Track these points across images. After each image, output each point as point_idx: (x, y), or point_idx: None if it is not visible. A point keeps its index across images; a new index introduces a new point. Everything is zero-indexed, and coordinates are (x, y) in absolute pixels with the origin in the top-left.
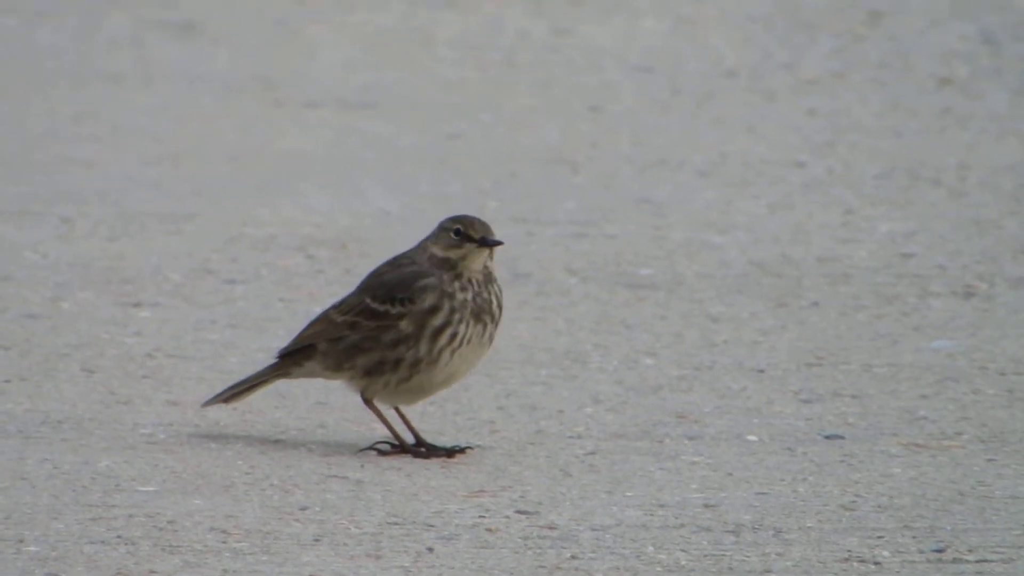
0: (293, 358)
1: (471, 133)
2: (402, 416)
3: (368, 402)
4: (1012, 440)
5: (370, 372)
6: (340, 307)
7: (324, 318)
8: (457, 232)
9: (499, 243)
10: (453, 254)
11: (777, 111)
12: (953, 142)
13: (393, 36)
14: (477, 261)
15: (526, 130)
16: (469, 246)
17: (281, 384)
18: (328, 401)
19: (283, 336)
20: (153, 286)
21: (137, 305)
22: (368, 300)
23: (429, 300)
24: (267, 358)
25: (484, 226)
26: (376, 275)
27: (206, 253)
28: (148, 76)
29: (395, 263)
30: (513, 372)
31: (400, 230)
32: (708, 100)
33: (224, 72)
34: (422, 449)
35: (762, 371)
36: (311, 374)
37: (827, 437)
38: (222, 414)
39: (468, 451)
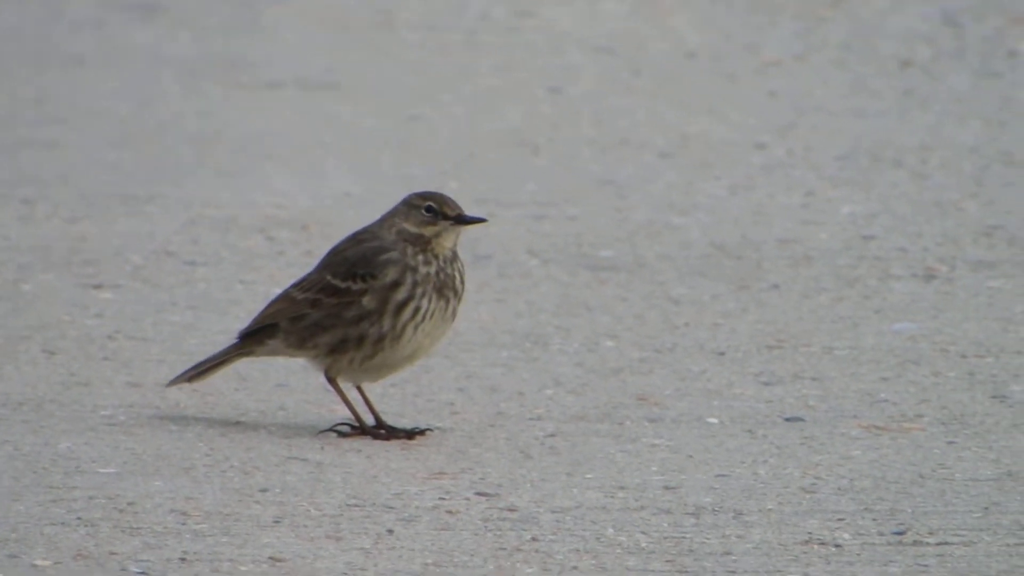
0: (255, 337)
1: (432, 115)
2: (364, 397)
3: (332, 380)
4: (972, 423)
5: (334, 350)
6: (301, 285)
7: (285, 296)
8: (429, 209)
9: (481, 220)
10: (427, 231)
11: (739, 93)
12: (915, 124)
13: (355, 18)
14: (450, 239)
15: (487, 112)
16: (444, 223)
17: (241, 366)
18: (288, 383)
19: (244, 318)
20: (114, 268)
21: (98, 287)
22: (329, 277)
23: (391, 275)
24: (228, 339)
25: (456, 204)
26: (337, 252)
27: (167, 235)
28: (110, 58)
29: (356, 239)
30: (474, 354)
31: (361, 211)
32: (669, 82)
33: (186, 54)
34: (382, 431)
35: (723, 353)
36: (274, 353)
37: (788, 419)
38: (182, 396)
39: (428, 433)
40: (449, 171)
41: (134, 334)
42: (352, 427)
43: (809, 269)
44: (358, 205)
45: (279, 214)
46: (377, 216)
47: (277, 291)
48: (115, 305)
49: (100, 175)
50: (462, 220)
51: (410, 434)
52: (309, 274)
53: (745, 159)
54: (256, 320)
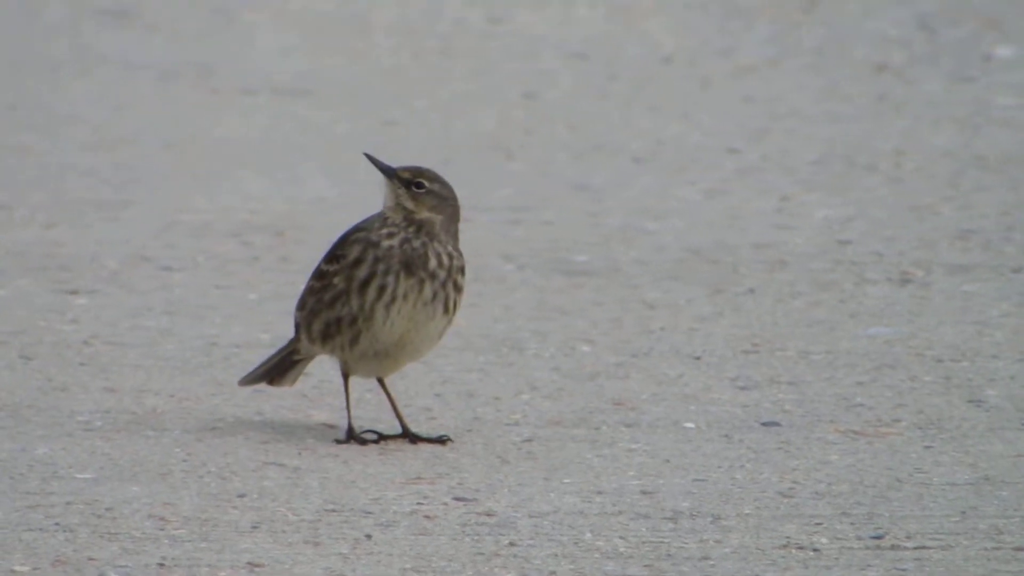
0: (296, 335)
1: (407, 120)
2: (392, 403)
3: (344, 378)
4: (949, 427)
5: (324, 337)
6: (310, 275)
7: (303, 289)
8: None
9: (383, 168)
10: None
11: (713, 98)
12: (889, 128)
13: (330, 22)
14: (389, 197)
15: (462, 117)
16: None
17: (217, 372)
18: (265, 389)
19: (219, 323)
20: (90, 273)
21: (74, 292)
22: (322, 263)
23: (354, 252)
24: (204, 346)
25: (406, 168)
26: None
27: (143, 240)
28: (85, 63)
29: (357, 224)
30: (450, 359)
31: (337, 216)
32: (644, 87)
33: (160, 59)
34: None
35: (699, 358)
36: (308, 351)
37: (764, 424)
38: (160, 401)
39: (448, 442)
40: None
41: (110, 339)
42: (379, 435)
43: (784, 273)
44: (333, 210)
45: (254, 219)
46: (352, 221)
47: (252, 296)
48: (91, 310)
49: (75, 180)
50: (384, 173)
51: (441, 440)
52: None
53: (720, 164)
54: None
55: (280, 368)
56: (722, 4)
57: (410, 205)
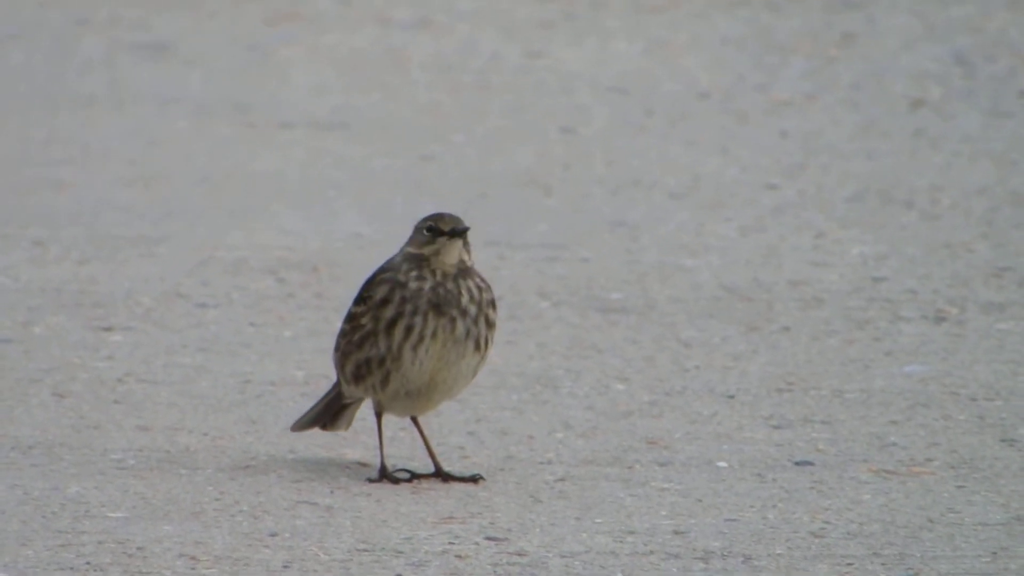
0: (338, 378)
1: (444, 155)
2: (425, 442)
3: (377, 416)
4: (982, 466)
5: (357, 378)
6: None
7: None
8: (429, 229)
9: (465, 229)
10: (427, 250)
11: (750, 133)
12: (925, 164)
13: (366, 58)
14: (451, 254)
15: (499, 152)
16: (441, 240)
17: (251, 410)
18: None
19: (254, 360)
20: (124, 310)
21: (108, 329)
22: (352, 305)
23: (380, 292)
24: (238, 383)
25: (454, 219)
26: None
27: (178, 277)
28: (120, 98)
29: (382, 265)
30: (484, 397)
31: (372, 253)
32: (681, 122)
33: (197, 94)
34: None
35: (733, 396)
36: (349, 392)
37: (797, 463)
38: (192, 439)
39: (481, 481)
40: (460, 212)
41: (144, 377)
42: (412, 474)
43: (819, 311)
44: (369, 246)
45: (290, 256)
46: (387, 258)
47: (287, 334)
48: (125, 348)
49: (111, 216)
50: (455, 233)
51: (474, 479)
52: None
53: (756, 200)
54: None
55: (329, 412)
56: (758, 39)
57: (466, 257)
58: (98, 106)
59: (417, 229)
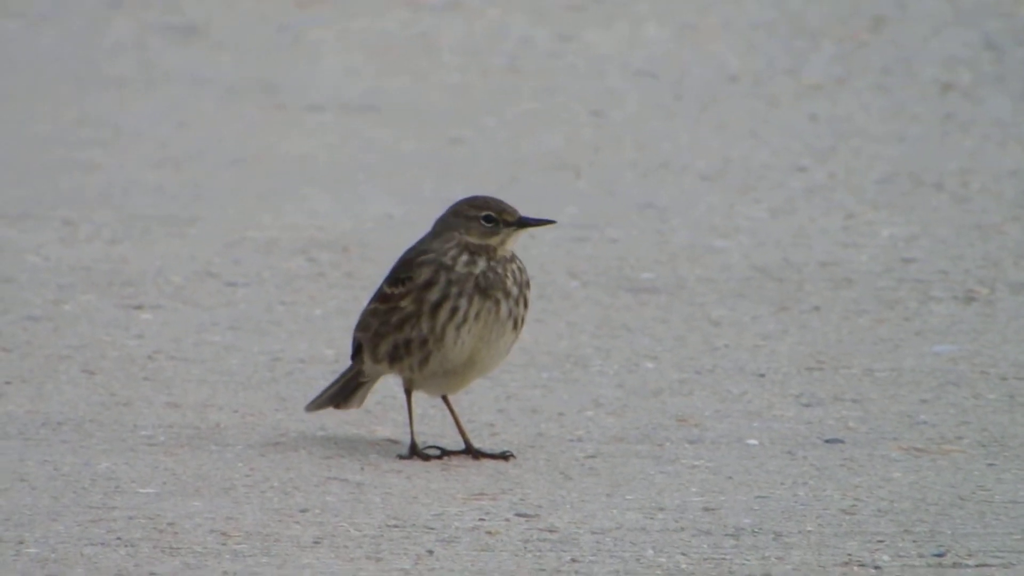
0: (358, 356)
1: (474, 138)
2: (455, 419)
3: (407, 394)
4: (1013, 445)
5: (393, 358)
6: (370, 298)
7: (362, 311)
8: (488, 219)
9: (548, 222)
10: (493, 241)
11: (780, 116)
12: (955, 148)
13: (396, 41)
14: (512, 243)
15: (529, 135)
16: (507, 230)
17: (281, 388)
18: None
19: (284, 339)
20: (155, 289)
21: (139, 307)
22: (384, 285)
23: (424, 275)
24: (268, 361)
25: (511, 207)
26: (397, 260)
27: (208, 256)
28: (151, 80)
29: (413, 247)
30: (514, 375)
31: (402, 234)
32: (711, 105)
33: (227, 76)
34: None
35: (763, 375)
36: (373, 371)
37: (827, 441)
38: (223, 416)
39: (511, 458)
40: (490, 194)
41: (174, 355)
42: (442, 451)
43: (850, 291)
44: (399, 228)
45: (320, 236)
46: (417, 239)
47: (317, 313)
48: (155, 326)
49: (141, 196)
50: (525, 223)
51: (504, 456)
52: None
53: (786, 182)
54: (353, 339)
55: (345, 392)
56: (788, 24)
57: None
58: (129, 88)
59: (467, 217)
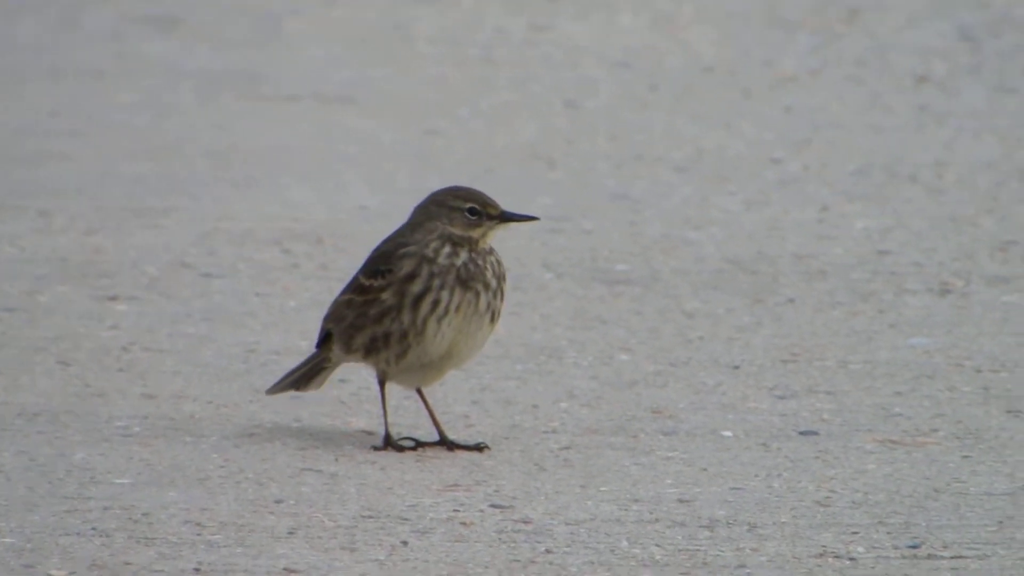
0: (326, 345)
1: (449, 129)
2: (429, 411)
3: (380, 385)
4: (987, 437)
5: (369, 351)
6: (344, 288)
7: (334, 301)
8: (472, 211)
9: (531, 218)
10: (475, 233)
11: (754, 108)
12: (930, 139)
13: (373, 32)
14: (494, 237)
15: (504, 126)
16: (490, 223)
17: (255, 379)
18: (303, 396)
19: (259, 330)
20: (130, 280)
21: (114, 299)
22: (360, 276)
23: (406, 267)
24: (243, 352)
25: (493, 200)
26: (373, 251)
27: (183, 247)
28: (128, 70)
29: (390, 238)
30: (488, 367)
31: (377, 225)
32: (685, 96)
33: (203, 66)
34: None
35: (737, 367)
36: (340, 359)
37: (802, 433)
38: (197, 407)
39: (485, 450)
40: (465, 185)
41: (149, 346)
42: (416, 442)
43: (824, 283)
44: (374, 219)
45: (295, 227)
46: (392, 230)
47: (292, 304)
48: (130, 317)
49: (116, 187)
50: (508, 218)
51: (479, 448)
52: (352, 276)
53: (760, 174)
54: (320, 329)
55: (307, 376)
56: (764, 14)
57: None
58: (105, 78)
59: (450, 208)
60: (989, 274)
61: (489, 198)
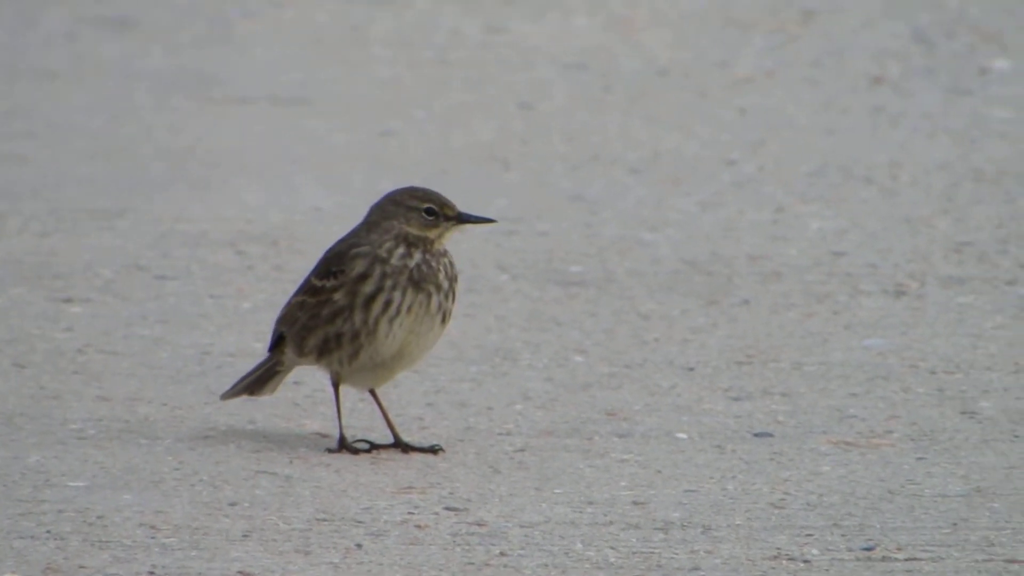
0: (279, 347)
1: (404, 130)
2: (384, 413)
3: (334, 387)
4: (942, 439)
5: (322, 352)
6: (296, 290)
7: (286, 304)
8: (430, 211)
9: (488, 220)
10: (431, 234)
11: (710, 109)
12: (885, 141)
13: (327, 33)
14: (450, 238)
15: (458, 127)
16: (447, 224)
17: (210, 381)
18: (257, 398)
19: (213, 332)
20: (84, 282)
21: (68, 301)
22: (312, 278)
23: (359, 267)
24: (198, 355)
25: (451, 201)
26: (326, 252)
27: (137, 249)
28: (82, 72)
29: (343, 239)
30: (443, 369)
31: (332, 227)
32: (641, 98)
33: (158, 68)
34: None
35: (692, 369)
36: (294, 363)
37: (756, 435)
38: (151, 409)
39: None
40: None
41: (104, 348)
42: (371, 444)
43: (779, 285)
44: (329, 220)
45: (249, 229)
46: (347, 231)
47: (246, 306)
48: (85, 319)
49: (71, 189)
50: (465, 219)
51: (433, 450)
52: (304, 278)
53: (715, 175)
54: (272, 332)
55: (261, 381)
56: (719, 16)
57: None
58: (60, 80)
59: (408, 207)
60: (944, 275)
61: (446, 199)
